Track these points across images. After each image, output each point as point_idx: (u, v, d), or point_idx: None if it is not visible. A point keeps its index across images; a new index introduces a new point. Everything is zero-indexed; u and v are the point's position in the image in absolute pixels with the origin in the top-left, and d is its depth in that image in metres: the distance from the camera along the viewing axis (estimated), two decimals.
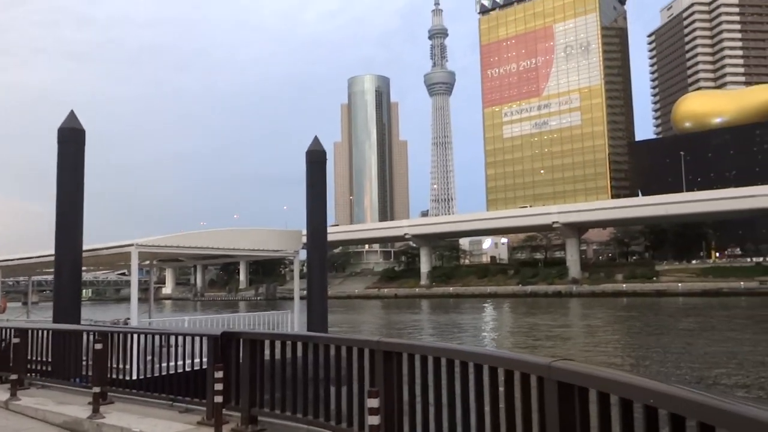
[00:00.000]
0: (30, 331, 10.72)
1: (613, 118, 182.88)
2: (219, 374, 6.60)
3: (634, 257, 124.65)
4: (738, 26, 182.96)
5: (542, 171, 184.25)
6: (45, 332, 10.74)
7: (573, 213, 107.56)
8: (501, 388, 3.97)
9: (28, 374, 10.54)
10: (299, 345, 6.46)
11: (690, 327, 43.40)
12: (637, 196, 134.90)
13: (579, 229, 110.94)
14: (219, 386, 6.58)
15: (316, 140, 18.22)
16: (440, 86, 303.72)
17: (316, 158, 18.05)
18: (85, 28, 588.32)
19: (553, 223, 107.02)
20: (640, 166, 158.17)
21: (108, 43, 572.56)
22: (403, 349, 5.17)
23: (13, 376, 9.95)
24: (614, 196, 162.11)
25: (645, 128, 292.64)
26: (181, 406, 7.96)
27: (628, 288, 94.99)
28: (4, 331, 11.62)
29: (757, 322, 46.97)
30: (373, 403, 4.75)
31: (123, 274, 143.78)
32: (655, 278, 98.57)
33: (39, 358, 10.76)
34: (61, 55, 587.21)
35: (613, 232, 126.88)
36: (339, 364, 5.91)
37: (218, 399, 6.55)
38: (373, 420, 4.69)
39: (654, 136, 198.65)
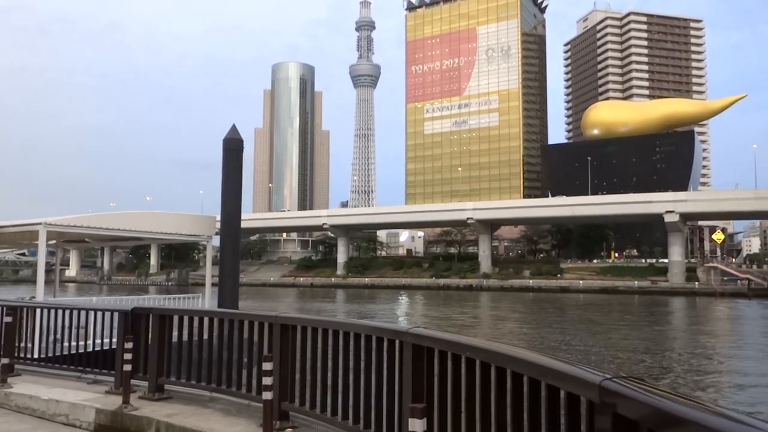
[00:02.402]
0: None
1: (528, 120, 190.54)
2: (129, 345, 7.10)
3: (542, 255, 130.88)
4: (645, 42, 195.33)
5: (460, 168, 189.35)
6: None
7: (486, 210, 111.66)
8: (374, 351, 4.82)
9: None
10: (206, 320, 7.06)
11: (580, 319, 46.67)
12: (547, 196, 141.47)
13: (492, 225, 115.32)
14: (128, 356, 7.08)
15: (234, 128, 18.48)
16: (365, 78, 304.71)
17: (233, 146, 18.31)
18: None
19: (468, 219, 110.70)
20: (551, 168, 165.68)
21: (16, 8, 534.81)
22: (297, 322, 5.94)
23: None
24: (526, 195, 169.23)
25: (557, 132, 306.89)
26: (89, 377, 8.34)
27: (534, 284, 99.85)
28: None
29: (632, 315, 51.11)
30: (267, 366, 5.48)
31: (22, 254, 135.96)
32: (559, 275, 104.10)
33: None
34: None
35: (523, 230, 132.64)
36: (241, 336, 6.58)
37: (127, 368, 7.05)
38: (267, 381, 5.43)
39: (565, 141, 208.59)
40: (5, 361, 8.32)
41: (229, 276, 18.51)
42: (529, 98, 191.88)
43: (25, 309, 9.36)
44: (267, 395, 5.40)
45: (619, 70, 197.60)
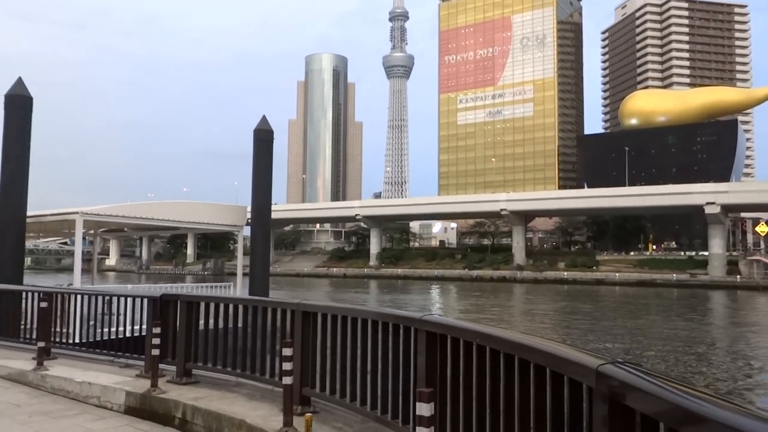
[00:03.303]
0: None
1: (564, 111, 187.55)
2: (157, 330, 7.30)
3: (577, 247, 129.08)
4: (686, 29, 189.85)
5: (494, 159, 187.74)
6: None
7: (521, 201, 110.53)
8: (390, 337, 4.87)
9: None
10: (231, 307, 7.21)
11: (615, 310, 45.96)
12: (583, 187, 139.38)
13: (526, 217, 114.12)
14: (156, 341, 7.28)
15: (264, 119, 18.74)
16: (399, 69, 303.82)
17: (263, 137, 18.59)
18: None
19: (501, 210, 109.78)
20: (587, 158, 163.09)
21: (54, 4, 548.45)
22: (318, 309, 6.02)
23: None
24: (561, 186, 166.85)
25: (594, 122, 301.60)
26: (121, 362, 8.61)
27: (569, 276, 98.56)
28: None
29: (670, 310, 50.04)
30: (287, 351, 5.58)
31: (65, 243, 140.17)
32: (594, 267, 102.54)
33: None
34: (6, 13, 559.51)
35: (558, 221, 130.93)
36: (265, 323, 6.70)
37: (155, 353, 7.25)
38: (287, 366, 5.52)
39: (602, 131, 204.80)
40: (41, 344, 8.64)
41: (259, 265, 18.83)
42: (565, 88, 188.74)
43: (59, 295, 9.68)
44: (287, 380, 5.50)
45: (658, 58, 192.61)
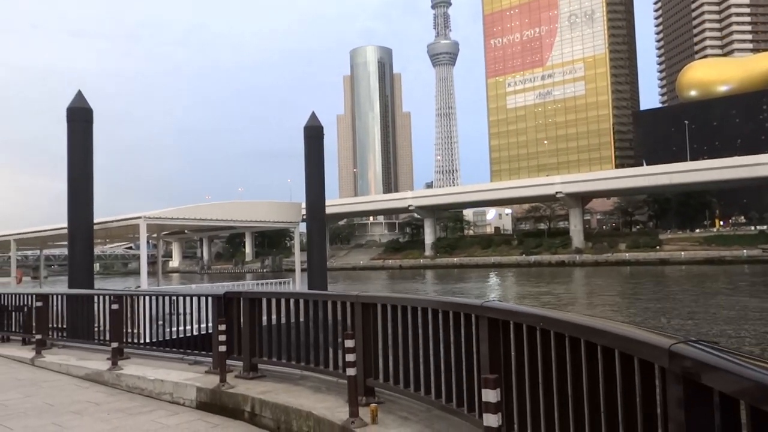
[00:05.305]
0: (51, 296, 11.67)
1: (617, 87, 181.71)
2: (222, 327, 7.51)
3: (638, 227, 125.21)
4: None
5: (546, 141, 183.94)
6: (64, 297, 11.69)
7: (576, 183, 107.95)
8: (451, 326, 4.85)
9: (50, 335, 11.53)
10: (291, 302, 7.35)
11: (683, 290, 44.36)
12: (642, 165, 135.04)
13: (582, 199, 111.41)
14: (222, 338, 7.49)
15: (313, 116, 18.94)
16: (444, 56, 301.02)
17: (313, 133, 18.80)
18: (84, 2, 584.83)
19: (557, 193, 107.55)
20: (645, 135, 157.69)
21: (108, 18, 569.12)
22: (377, 300, 6.06)
23: (38, 336, 10.94)
24: (618, 165, 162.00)
25: (650, 97, 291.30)
26: (190, 359, 8.91)
27: (631, 257, 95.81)
28: (26, 297, 12.60)
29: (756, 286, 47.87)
30: (349, 343, 5.64)
31: (130, 248, 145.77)
32: (658, 247, 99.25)
33: (57, 325, 11.73)
34: (61, 31, 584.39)
35: (616, 201, 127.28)
36: (326, 316, 6.79)
37: (222, 349, 7.47)
38: (350, 357, 5.58)
39: (659, 105, 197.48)
40: (114, 345, 9.04)
41: (316, 260, 19.09)
42: (618, 63, 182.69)
43: (129, 297, 10.09)
44: (351, 371, 5.56)
45: (717, 25, 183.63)
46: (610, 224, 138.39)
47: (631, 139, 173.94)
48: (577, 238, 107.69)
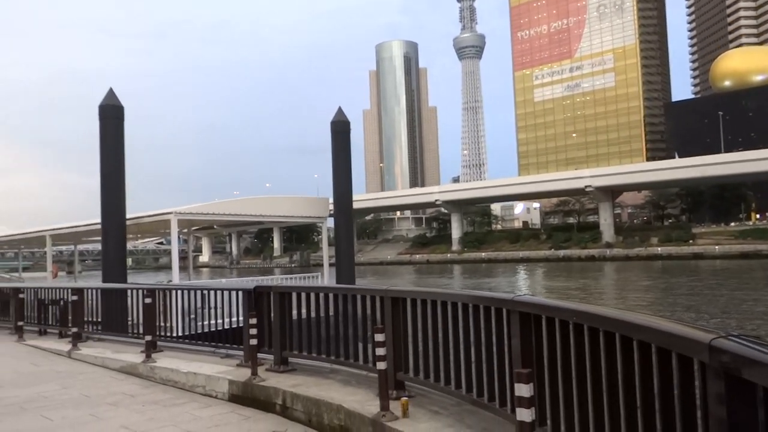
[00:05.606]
0: (86, 290, 11.94)
1: (648, 78, 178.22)
2: (253, 321, 7.59)
3: (670, 220, 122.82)
4: None
5: (575, 134, 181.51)
6: (99, 291, 11.95)
7: (606, 177, 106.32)
8: (482, 320, 4.83)
9: (85, 328, 11.80)
10: (321, 296, 7.39)
11: (720, 285, 43.43)
12: (674, 158, 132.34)
13: (612, 192, 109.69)
14: (253, 331, 7.58)
15: (340, 111, 18.99)
16: (470, 50, 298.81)
17: (340, 128, 18.86)
18: (111, 2, 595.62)
19: (586, 187, 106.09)
20: (677, 127, 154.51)
21: (135, 17, 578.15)
22: (406, 294, 6.05)
23: (74, 330, 11.21)
24: (650, 158, 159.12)
25: (682, 88, 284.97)
26: (222, 352, 9.04)
27: (663, 251, 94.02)
28: (61, 291, 12.91)
29: None
30: (379, 337, 5.65)
31: (161, 243, 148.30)
32: (691, 241, 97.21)
33: (92, 319, 12.02)
34: (89, 30, 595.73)
35: (648, 195, 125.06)
36: (356, 310, 6.82)
37: (253, 342, 7.55)
38: (380, 351, 5.60)
39: (691, 96, 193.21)
40: (148, 338, 9.21)
41: (344, 254, 19.19)
42: (648, 54, 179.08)
43: (161, 291, 10.26)
44: (381, 365, 5.58)
45: (752, 12, 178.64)
46: (641, 218, 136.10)
47: (663, 131, 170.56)
48: (607, 232, 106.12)
